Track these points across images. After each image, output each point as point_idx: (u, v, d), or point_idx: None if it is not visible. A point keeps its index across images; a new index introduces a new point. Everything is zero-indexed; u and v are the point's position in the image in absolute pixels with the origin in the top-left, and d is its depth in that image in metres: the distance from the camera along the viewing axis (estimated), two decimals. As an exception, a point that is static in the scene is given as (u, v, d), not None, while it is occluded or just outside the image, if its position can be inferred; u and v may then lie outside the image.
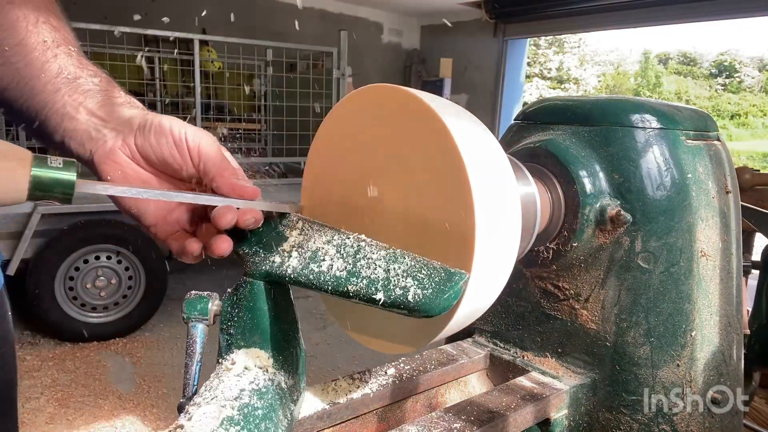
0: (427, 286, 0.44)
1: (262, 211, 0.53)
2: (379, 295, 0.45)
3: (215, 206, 0.50)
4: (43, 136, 0.53)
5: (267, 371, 0.50)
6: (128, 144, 0.51)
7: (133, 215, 0.53)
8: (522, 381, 0.74)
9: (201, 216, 0.55)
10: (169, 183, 0.54)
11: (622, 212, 0.69)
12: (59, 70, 0.52)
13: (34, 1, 0.53)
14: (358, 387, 0.68)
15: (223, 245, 0.50)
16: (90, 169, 0.53)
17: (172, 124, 0.51)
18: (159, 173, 0.53)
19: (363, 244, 0.49)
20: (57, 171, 0.45)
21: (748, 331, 1.41)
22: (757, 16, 4.78)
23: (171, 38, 3.87)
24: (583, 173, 0.71)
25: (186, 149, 0.51)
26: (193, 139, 0.51)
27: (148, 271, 3.27)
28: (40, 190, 0.44)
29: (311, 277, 0.49)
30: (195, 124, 0.56)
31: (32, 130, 0.54)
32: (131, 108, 0.54)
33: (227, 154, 0.54)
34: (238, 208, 0.50)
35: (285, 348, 0.53)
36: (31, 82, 0.51)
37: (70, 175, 0.45)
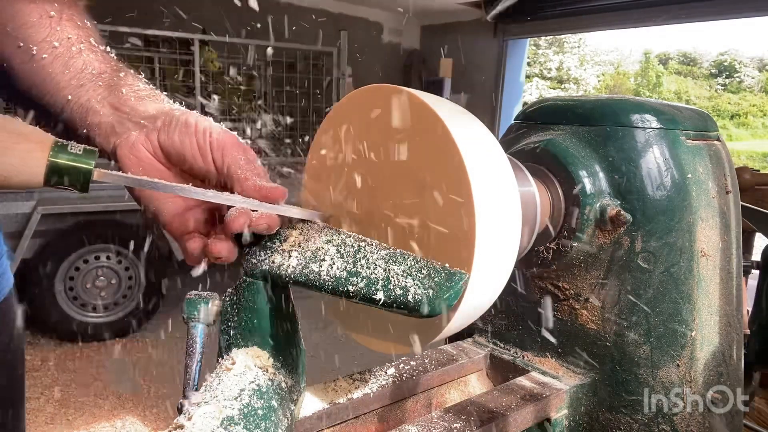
0: (427, 286, 0.44)
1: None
2: (379, 295, 0.45)
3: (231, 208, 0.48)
4: (68, 132, 0.53)
5: (267, 371, 0.50)
6: (151, 140, 0.51)
7: (151, 212, 0.53)
8: (522, 381, 0.74)
9: (217, 217, 0.54)
10: (191, 182, 0.52)
11: (622, 212, 0.69)
12: (84, 65, 0.52)
13: (56, 0, 0.53)
14: (358, 387, 0.68)
15: (222, 247, 0.49)
16: (114, 163, 0.53)
17: (197, 123, 0.50)
18: (181, 172, 0.52)
19: (363, 244, 0.49)
20: (75, 158, 0.44)
21: (748, 331, 1.41)
22: (757, 16, 4.78)
23: (171, 38, 3.87)
24: (583, 173, 0.71)
25: (209, 151, 0.50)
26: (217, 140, 0.50)
27: (148, 271, 3.27)
28: (57, 176, 0.44)
29: (311, 277, 0.49)
30: None
31: (59, 129, 0.54)
32: (156, 102, 0.53)
33: (252, 155, 0.52)
34: (254, 210, 0.48)
35: (285, 348, 0.53)
36: (57, 77, 0.52)
37: (88, 163, 0.45)
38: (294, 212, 0.53)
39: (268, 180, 0.51)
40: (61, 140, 0.45)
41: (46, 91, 0.52)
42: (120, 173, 0.48)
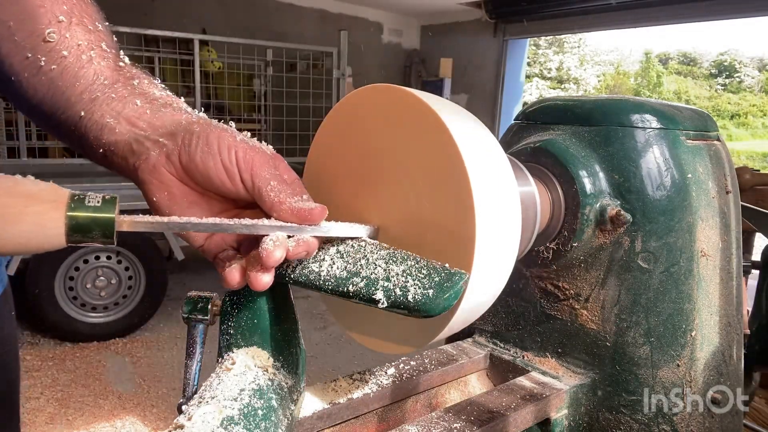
0: (427, 286, 0.44)
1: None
2: (379, 295, 0.45)
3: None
4: (84, 150, 0.50)
5: (267, 371, 0.50)
6: (172, 161, 0.46)
7: (182, 237, 0.50)
8: (522, 381, 0.74)
9: (249, 236, 0.50)
10: (221, 204, 0.50)
11: (622, 212, 0.69)
12: (95, 75, 0.48)
13: (66, 2, 0.50)
14: (358, 387, 0.68)
15: (263, 280, 0.45)
16: (136, 184, 0.49)
17: (220, 142, 0.46)
18: (208, 193, 0.49)
19: (363, 243, 0.49)
20: (95, 210, 0.41)
21: (748, 331, 1.41)
22: (757, 16, 4.78)
23: (171, 38, 3.87)
24: (583, 173, 0.71)
25: (237, 172, 0.46)
26: (244, 159, 0.46)
27: (148, 271, 3.27)
28: (79, 233, 0.41)
29: (311, 277, 0.49)
30: None
31: (73, 145, 0.51)
32: (174, 112, 0.49)
33: (284, 166, 0.49)
34: (289, 236, 0.45)
35: (285, 348, 0.53)
36: (67, 91, 0.48)
37: (109, 215, 0.41)
38: (338, 231, 0.49)
39: (306, 195, 0.48)
40: (77, 193, 0.42)
41: (57, 107, 0.48)
42: (145, 218, 0.44)
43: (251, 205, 0.48)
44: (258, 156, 0.47)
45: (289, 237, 0.46)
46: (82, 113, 0.48)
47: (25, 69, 0.48)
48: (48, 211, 0.40)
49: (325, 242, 0.51)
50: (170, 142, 0.47)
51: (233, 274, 0.47)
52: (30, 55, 0.48)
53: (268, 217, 0.46)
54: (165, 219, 0.45)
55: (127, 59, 0.52)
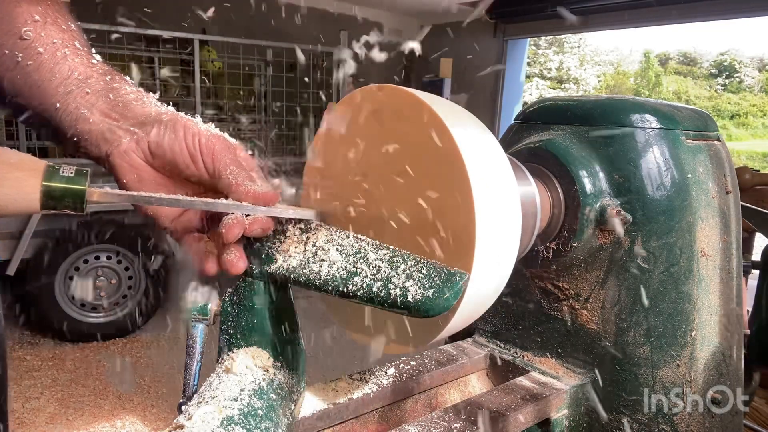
0: (427, 286, 0.44)
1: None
2: (379, 295, 0.45)
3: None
4: (58, 139, 0.53)
5: (267, 371, 0.50)
6: (142, 148, 0.51)
7: (150, 217, 0.54)
8: (522, 381, 0.74)
9: (212, 216, 0.55)
10: (185, 187, 0.54)
11: (622, 212, 0.69)
12: (69, 71, 0.52)
13: (41, 3, 0.53)
14: (358, 387, 0.68)
15: (238, 264, 0.50)
16: (107, 170, 0.53)
17: (186, 129, 0.51)
18: (175, 176, 0.53)
19: (363, 244, 0.49)
20: (68, 180, 0.45)
21: (748, 331, 1.41)
22: (757, 16, 4.78)
23: (171, 38, 3.87)
24: (583, 173, 0.71)
25: (200, 157, 0.50)
26: (206, 145, 0.50)
27: (148, 271, 3.27)
28: (52, 200, 0.45)
29: (311, 277, 0.49)
30: None
31: (47, 134, 0.54)
32: (144, 106, 0.53)
33: (243, 154, 0.53)
34: (246, 216, 0.49)
35: (285, 348, 0.53)
36: (43, 85, 0.51)
37: (81, 185, 0.46)
38: (290, 213, 0.53)
39: (263, 179, 0.52)
40: (52, 164, 0.45)
41: (33, 99, 0.52)
42: (114, 191, 0.49)
43: (213, 189, 0.52)
44: (219, 142, 0.51)
45: (246, 216, 0.49)
46: (58, 105, 0.51)
47: (2, 64, 0.51)
48: (27, 178, 0.44)
49: (326, 242, 0.51)
50: (141, 130, 0.51)
51: (210, 265, 0.51)
52: (7, 51, 0.51)
53: (227, 198, 0.50)
54: (134, 193, 0.49)
55: (98, 57, 0.55)
